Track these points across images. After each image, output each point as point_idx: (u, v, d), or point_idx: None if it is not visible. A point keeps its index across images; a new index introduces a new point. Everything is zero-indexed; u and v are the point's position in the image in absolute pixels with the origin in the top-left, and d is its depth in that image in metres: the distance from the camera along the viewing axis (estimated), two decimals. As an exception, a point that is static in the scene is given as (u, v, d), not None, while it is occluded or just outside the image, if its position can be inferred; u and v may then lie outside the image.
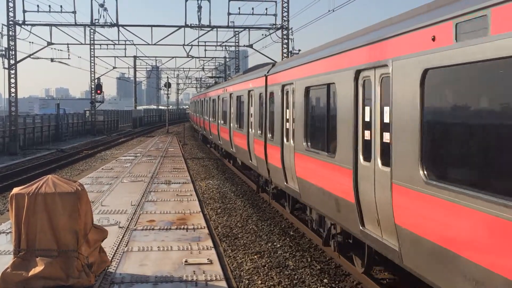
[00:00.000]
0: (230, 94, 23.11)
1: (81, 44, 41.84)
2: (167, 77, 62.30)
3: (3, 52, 35.51)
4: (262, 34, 38.96)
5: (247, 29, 39.43)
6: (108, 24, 36.62)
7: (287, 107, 13.11)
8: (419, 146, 6.34)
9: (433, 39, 6.01)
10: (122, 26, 37.76)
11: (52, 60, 45.96)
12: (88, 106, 59.33)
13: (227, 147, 24.66)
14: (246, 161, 19.16)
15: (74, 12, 36.71)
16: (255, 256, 11.11)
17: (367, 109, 8.06)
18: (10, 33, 35.58)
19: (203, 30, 38.51)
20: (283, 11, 37.29)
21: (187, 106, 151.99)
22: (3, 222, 11.96)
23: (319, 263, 10.69)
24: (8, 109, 36.34)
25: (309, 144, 11.09)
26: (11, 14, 35.52)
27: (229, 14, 38.08)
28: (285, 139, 13.31)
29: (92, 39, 53.20)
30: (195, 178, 21.48)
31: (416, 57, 6.41)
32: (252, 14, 38.46)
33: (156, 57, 76.11)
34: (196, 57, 55.93)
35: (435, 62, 5.97)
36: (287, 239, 12.49)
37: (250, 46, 40.96)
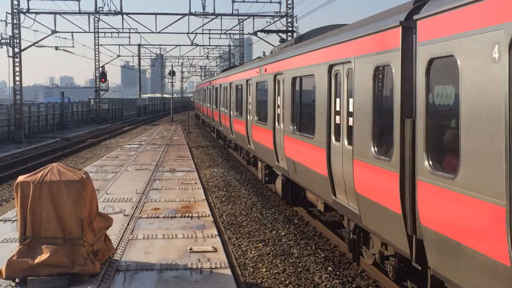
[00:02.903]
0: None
1: (86, 32, 41.87)
2: (172, 65, 62.23)
3: (8, 41, 35.52)
4: (267, 22, 38.84)
5: (252, 17, 39.31)
6: (112, 12, 36.58)
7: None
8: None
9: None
10: (126, 14, 37.70)
11: (56, 48, 45.93)
12: (93, 95, 59.36)
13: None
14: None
15: (78, 0, 36.66)
16: (260, 244, 11.13)
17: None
18: (15, 21, 35.55)
19: (208, 18, 38.45)
20: (288, -1, 37.11)
21: (191, 95, 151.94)
22: (8, 210, 12.02)
23: (323, 251, 10.71)
24: (13, 97, 36.39)
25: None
26: (15, 2, 35.47)
27: (233, 1, 37.99)
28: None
29: (96, 27, 53.16)
30: (199, 166, 21.51)
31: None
32: (257, 1, 38.37)
33: (160, 45, 76.15)
34: (200, 45, 55.93)
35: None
36: (292, 227, 12.51)
37: (255, 34, 40.82)
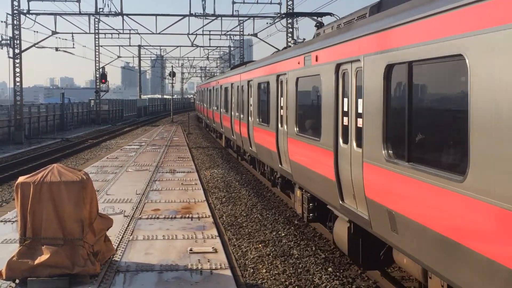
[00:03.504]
0: (249, 82, 18.94)
1: (86, 33, 41.84)
2: (172, 66, 62.32)
3: (8, 42, 35.53)
4: (267, 23, 38.86)
5: (252, 18, 39.32)
6: (113, 13, 36.57)
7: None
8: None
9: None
10: (127, 15, 37.71)
11: (56, 49, 46.02)
12: (93, 95, 59.40)
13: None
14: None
15: (79, 1, 36.67)
16: (260, 245, 11.14)
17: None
18: (15, 22, 35.56)
19: (208, 19, 38.47)
20: (288, 0, 37.15)
21: (191, 96, 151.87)
22: (9, 211, 12.02)
23: (323, 252, 10.71)
24: (13, 98, 36.41)
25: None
26: (15, 3, 35.49)
27: (233, 2, 37.97)
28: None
29: (96, 28, 53.19)
30: (199, 167, 21.51)
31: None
32: (257, 2, 38.35)
33: (160, 46, 76.16)
34: (200, 46, 56.03)
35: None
36: (292, 228, 12.51)
37: (255, 35, 40.89)
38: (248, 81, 18.98)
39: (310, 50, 10.89)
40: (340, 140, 9.06)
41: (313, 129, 10.87)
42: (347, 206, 8.78)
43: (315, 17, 18.41)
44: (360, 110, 8.17)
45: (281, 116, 13.56)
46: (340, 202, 9.03)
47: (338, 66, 9.16)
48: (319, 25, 14.97)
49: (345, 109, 8.90)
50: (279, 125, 13.79)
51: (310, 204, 11.47)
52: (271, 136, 14.52)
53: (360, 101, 8.15)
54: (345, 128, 8.85)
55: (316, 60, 10.45)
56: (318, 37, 11.61)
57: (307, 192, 11.55)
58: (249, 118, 18.48)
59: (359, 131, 8.21)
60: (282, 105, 13.57)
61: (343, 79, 9.05)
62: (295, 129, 11.98)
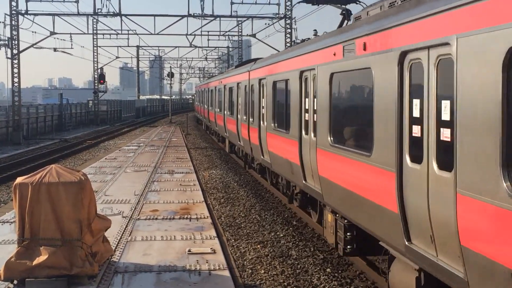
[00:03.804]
0: (260, 80, 16.52)
1: (84, 33, 41.83)
2: (170, 66, 62.37)
3: (6, 42, 35.50)
4: (265, 24, 38.92)
5: (250, 19, 39.38)
6: (111, 13, 36.56)
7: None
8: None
9: None
10: (125, 15, 37.73)
11: (55, 49, 46.02)
12: (91, 96, 59.37)
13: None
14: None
15: (77, 2, 36.68)
16: (258, 246, 11.13)
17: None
18: (13, 22, 35.53)
19: (206, 19, 38.52)
20: (286, 0, 37.18)
21: (190, 96, 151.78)
22: (7, 212, 12.01)
23: (322, 252, 10.71)
24: (12, 99, 36.38)
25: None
26: (13, 3, 35.46)
27: (232, 3, 38.00)
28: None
29: (95, 28, 53.17)
30: (198, 168, 21.51)
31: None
32: (255, 3, 38.37)
33: (159, 46, 76.25)
34: (199, 47, 56.12)
35: None
36: (290, 228, 12.51)
37: (253, 35, 40.92)
38: (260, 80, 16.54)
39: (354, 37, 8.28)
40: (407, 158, 6.63)
41: (358, 140, 8.49)
42: (418, 250, 6.37)
43: (339, 5, 15.80)
44: (446, 117, 5.82)
45: (306, 121, 11.26)
46: (406, 242, 6.63)
47: (403, 54, 6.70)
48: (346, 13, 12.85)
49: (416, 114, 6.48)
50: (304, 133, 11.45)
51: (348, 234, 9.04)
52: (292, 145, 12.19)
53: (445, 103, 5.84)
54: (416, 141, 6.45)
55: (364, 49, 7.91)
56: (359, 21, 9.01)
57: (343, 218, 9.17)
58: (261, 122, 16.21)
59: (444, 146, 5.86)
60: (307, 108, 11.24)
61: (412, 73, 6.60)
62: (329, 138, 9.55)
